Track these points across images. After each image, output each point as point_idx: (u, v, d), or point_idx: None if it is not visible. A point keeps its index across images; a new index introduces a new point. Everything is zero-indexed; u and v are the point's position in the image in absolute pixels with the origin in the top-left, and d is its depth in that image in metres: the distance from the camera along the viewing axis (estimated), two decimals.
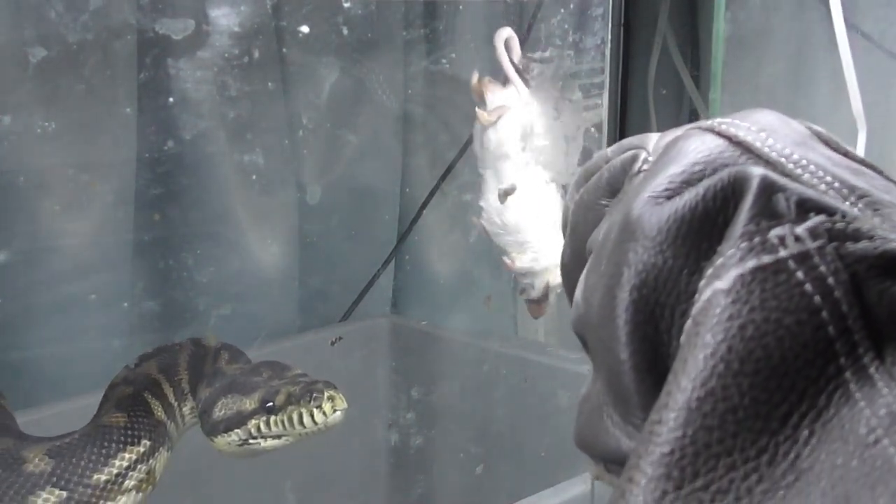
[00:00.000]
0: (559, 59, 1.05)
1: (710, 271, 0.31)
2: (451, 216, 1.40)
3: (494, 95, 0.85)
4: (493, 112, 0.85)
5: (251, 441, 0.83)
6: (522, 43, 1.18)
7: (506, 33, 0.84)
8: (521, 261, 0.84)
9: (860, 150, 0.98)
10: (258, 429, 0.82)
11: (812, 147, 0.35)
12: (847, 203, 0.32)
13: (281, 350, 1.24)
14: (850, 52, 1.11)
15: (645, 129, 1.48)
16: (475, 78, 0.86)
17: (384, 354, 1.32)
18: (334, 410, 0.79)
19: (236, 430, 0.84)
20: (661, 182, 0.34)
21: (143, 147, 1.13)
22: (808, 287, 0.29)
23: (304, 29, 1.20)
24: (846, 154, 0.35)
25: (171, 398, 0.91)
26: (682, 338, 0.31)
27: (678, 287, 0.32)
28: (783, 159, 0.34)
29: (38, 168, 1.07)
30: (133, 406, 0.87)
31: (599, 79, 1.11)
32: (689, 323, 0.31)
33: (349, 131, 1.32)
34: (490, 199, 0.88)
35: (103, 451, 0.83)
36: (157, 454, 0.87)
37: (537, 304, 0.84)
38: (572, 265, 0.40)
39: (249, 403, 0.83)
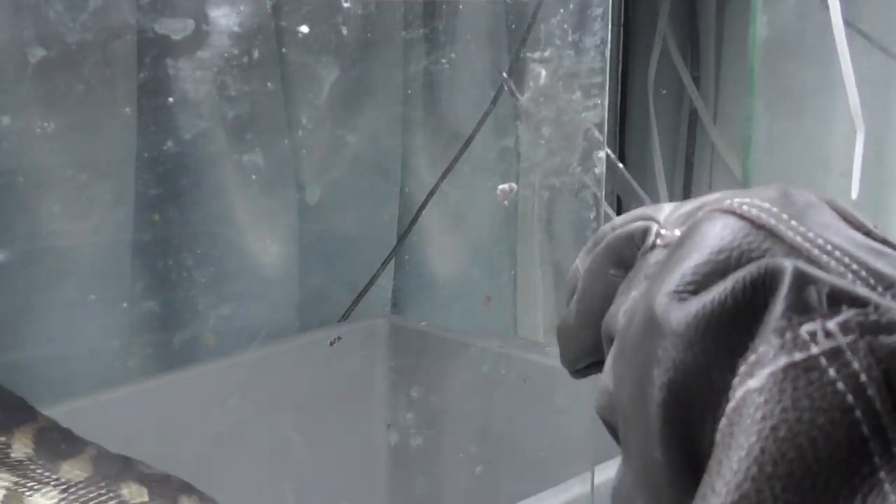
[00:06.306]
0: (558, 60, 1.05)
1: (742, 368, 0.30)
2: (450, 216, 1.40)
3: None
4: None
5: None
6: (522, 43, 1.18)
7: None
8: None
9: (858, 152, 0.97)
10: None
11: (835, 228, 0.34)
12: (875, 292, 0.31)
13: (280, 350, 1.24)
14: (849, 51, 1.11)
15: (644, 129, 1.48)
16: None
17: (383, 355, 1.32)
18: None
19: None
20: (685, 274, 0.33)
21: (142, 147, 1.13)
22: (840, 385, 0.29)
23: (304, 29, 1.20)
24: (868, 234, 0.35)
25: None
26: (717, 437, 0.31)
27: (710, 384, 0.32)
28: (808, 244, 0.33)
29: (37, 168, 1.07)
30: None
31: (599, 79, 1.11)
32: (723, 422, 0.31)
33: (349, 131, 1.32)
34: None
35: None
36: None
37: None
38: (576, 329, 0.41)
39: None
